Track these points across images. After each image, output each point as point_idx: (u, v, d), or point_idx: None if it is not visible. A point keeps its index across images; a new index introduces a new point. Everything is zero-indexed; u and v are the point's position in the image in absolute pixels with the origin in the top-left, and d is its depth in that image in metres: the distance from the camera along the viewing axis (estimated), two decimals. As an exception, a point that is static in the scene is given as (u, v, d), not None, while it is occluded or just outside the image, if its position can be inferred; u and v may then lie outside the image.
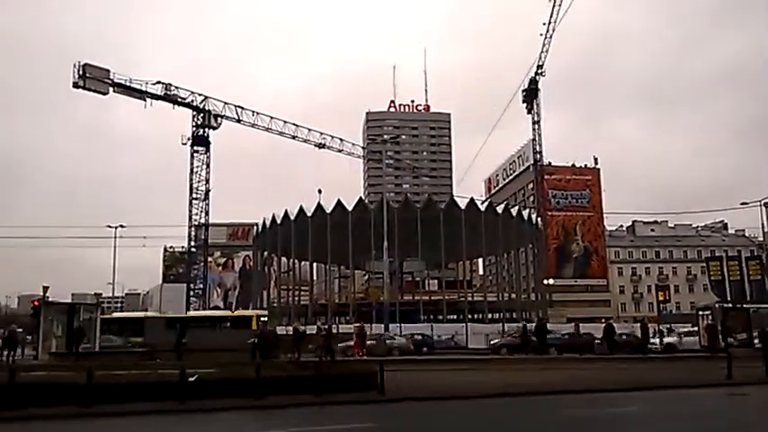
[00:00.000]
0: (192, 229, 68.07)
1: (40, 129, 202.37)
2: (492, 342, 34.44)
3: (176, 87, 65.81)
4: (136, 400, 13.18)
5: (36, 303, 28.54)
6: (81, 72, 60.54)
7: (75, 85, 60.99)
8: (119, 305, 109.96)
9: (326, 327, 24.78)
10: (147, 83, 64.00)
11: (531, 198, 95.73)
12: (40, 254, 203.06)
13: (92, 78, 61.29)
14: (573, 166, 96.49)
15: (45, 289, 31.37)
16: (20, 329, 30.85)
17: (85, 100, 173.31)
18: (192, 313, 48.32)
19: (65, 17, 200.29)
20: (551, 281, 79.67)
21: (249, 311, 47.65)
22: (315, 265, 68.00)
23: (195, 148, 67.39)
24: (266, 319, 41.29)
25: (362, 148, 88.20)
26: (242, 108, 68.06)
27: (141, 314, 53.31)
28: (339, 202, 54.27)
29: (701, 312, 32.52)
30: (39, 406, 12.60)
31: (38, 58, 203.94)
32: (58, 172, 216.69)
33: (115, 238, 62.23)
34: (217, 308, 75.69)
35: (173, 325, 38.55)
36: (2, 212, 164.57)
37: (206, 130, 67.54)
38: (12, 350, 26.37)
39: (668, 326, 38.71)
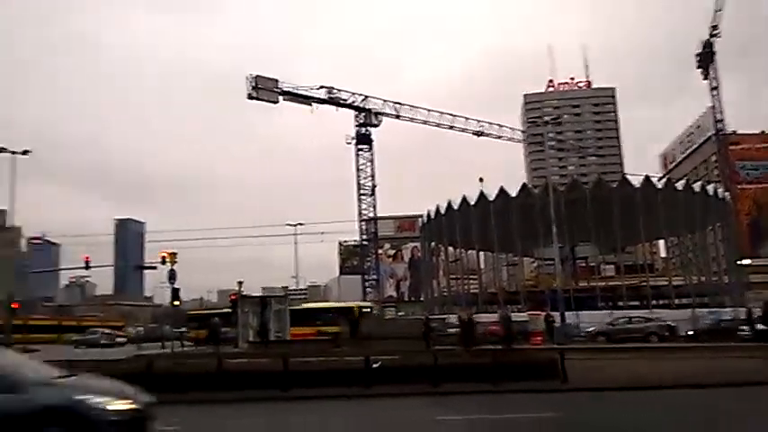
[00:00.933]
0: (363, 223, 71.17)
1: (219, 139, 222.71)
2: (588, 330, 32.47)
3: (338, 90, 68.98)
4: (326, 385, 14.15)
5: (233, 297, 31.67)
6: (254, 84, 65.47)
7: (250, 97, 66.01)
8: (303, 297, 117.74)
9: (506, 314, 24.57)
10: (311, 88, 67.77)
11: (716, 171, 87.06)
12: (234, 252, 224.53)
13: (263, 89, 66.06)
14: (762, 133, 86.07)
15: (240, 284, 34.51)
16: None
17: (255, 109, 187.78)
18: (302, 306, 51.22)
19: (224, 32, 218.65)
20: (747, 261, 71.72)
21: (351, 303, 49.59)
22: (483, 253, 67.72)
23: (359, 146, 70.23)
24: (368, 309, 42.97)
25: (522, 132, 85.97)
26: (400, 104, 69.67)
27: None
28: (502, 189, 53.46)
29: None
30: (243, 389, 14.10)
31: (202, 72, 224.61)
32: (244, 179, 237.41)
33: (296, 235, 66.99)
34: (390, 297, 78.71)
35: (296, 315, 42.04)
36: (200, 217, 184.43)
37: (368, 128, 70.11)
38: (215, 342, 29.49)
39: None
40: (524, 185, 56.47)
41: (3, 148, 41.49)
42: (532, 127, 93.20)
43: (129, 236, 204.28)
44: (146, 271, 69.64)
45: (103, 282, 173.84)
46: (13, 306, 41.75)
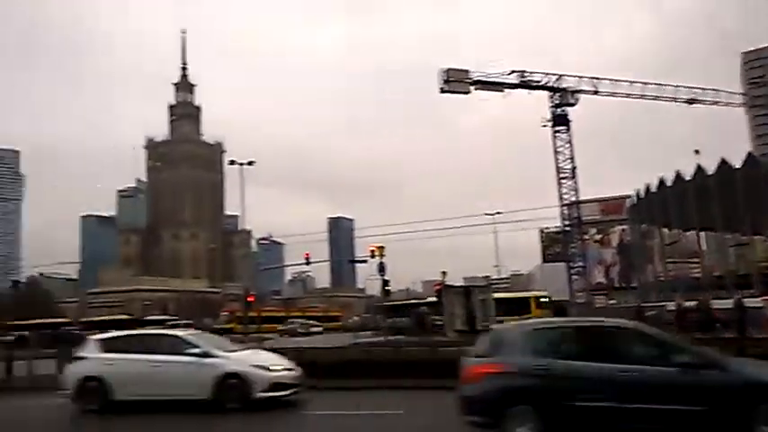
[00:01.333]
0: (564, 208, 68.68)
1: (417, 134, 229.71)
2: None
3: (530, 72, 67.05)
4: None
5: (438, 287, 32.72)
6: (446, 77, 66.17)
7: (442, 91, 66.73)
8: (505, 286, 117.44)
9: (739, 300, 22.56)
10: (502, 74, 66.71)
11: None
12: (435, 243, 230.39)
13: (455, 81, 66.35)
14: None
15: (443, 274, 35.52)
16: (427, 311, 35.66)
17: (447, 101, 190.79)
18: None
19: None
20: None
21: (527, 293, 47.08)
22: (704, 233, 61.49)
23: (556, 128, 67.75)
24: (546, 299, 40.44)
25: (742, 94, 76.20)
26: (597, 79, 65.77)
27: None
28: (723, 161, 48.00)
29: None
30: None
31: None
32: (442, 170, 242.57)
33: (494, 224, 66.84)
34: (599, 284, 75.45)
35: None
36: (403, 210, 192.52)
37: (564, 108, 67.34)
38: (422, 330, 30.66)
39: None
40: (750, 154, 50.13)
41: (232, 161, 47.48)
42: (754, 88, 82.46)
43: (341, 232, 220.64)
44: (357, 264, 74.54)
45: (321, 276, 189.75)
46: (248, 299, 47.62)
